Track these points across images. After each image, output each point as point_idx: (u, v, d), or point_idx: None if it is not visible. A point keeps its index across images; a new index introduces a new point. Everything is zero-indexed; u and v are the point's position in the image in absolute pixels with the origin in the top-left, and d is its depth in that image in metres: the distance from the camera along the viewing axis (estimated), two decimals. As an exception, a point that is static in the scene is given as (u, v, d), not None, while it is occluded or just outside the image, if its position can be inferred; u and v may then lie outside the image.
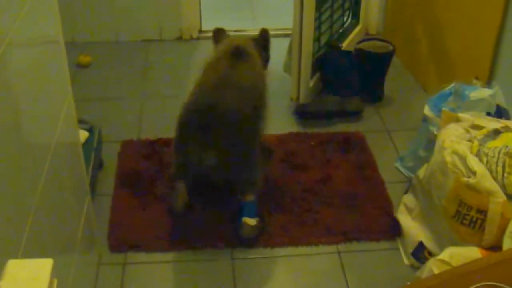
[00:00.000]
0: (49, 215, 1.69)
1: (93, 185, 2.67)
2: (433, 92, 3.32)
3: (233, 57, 2.52)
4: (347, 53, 3.40)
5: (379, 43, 3.43)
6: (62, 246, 1.86)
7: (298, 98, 3.33)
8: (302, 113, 3.26)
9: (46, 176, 1.64)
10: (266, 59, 2.82)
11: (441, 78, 3.38)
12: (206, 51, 3.07)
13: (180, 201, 2.52)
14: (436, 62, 3.47)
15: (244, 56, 2.54)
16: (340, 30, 3.86)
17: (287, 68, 3.44)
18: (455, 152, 2.15)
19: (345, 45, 3.80)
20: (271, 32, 3.87)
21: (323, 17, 3.50)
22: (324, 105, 3.26)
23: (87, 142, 2.78)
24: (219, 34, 2.83)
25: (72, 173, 2.08)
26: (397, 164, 2.97)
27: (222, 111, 2.32)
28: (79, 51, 3.95)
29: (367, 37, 3.53)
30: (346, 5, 3.92)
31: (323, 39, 3.56)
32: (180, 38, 4.17)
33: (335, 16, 3.71)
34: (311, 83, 3.39)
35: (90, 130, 2.86)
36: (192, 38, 4.19)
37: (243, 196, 2.55)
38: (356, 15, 4.07)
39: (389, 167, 3.00)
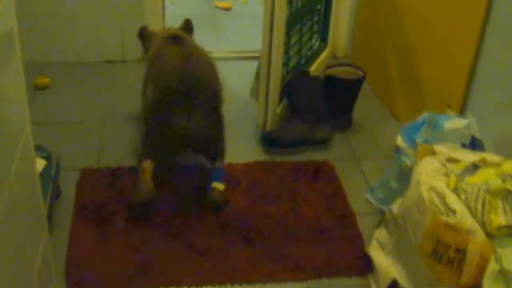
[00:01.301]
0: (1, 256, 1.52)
1: (50, 217, 2.50)
2: (403, 119, 3.27)
3: (176, 41, 2.76)
4: (316, 79, 3.30)
5: (348, 68, 3.34)
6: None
7: (264, 125, 3.21)
8: (269, 141, 3.14)
9: (1, 214, 1.47)
10: None
11: (412, 105, 3.30)
12: None
13: (145, 186, 2.58)
14: (406, 88, 3.39)
15: (182, 40, 2.79)
16: (309, 53, 3.76)
17: (253, 93, 3.32)
18: (432, 189, 2.04)
19: (313, 69, 3.72)
20: (236, 55, 3.82)
21: (292, 41, 3.39)
22: (292, 133, 3.14)
23: (45, 171, 2.61)
24: (143, 31, 3.13)
25: (29, 208, 1.91)
26: (368, 195, 2.86)
27: (199, 76, 2.55)
28: (37, 72, 3.78)
29: (336, 63, 3.43)
30: (315, 28, 3.84)
31: (291, 64, 3.46)
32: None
33: (303, 40, 3.61)
34: (278, 110, 3.28)
35: (48, 158, 2.69)
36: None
37: (214, 162, 2.72)
38: (324, 38, 3.99)
39: (359, 197, 2.89)
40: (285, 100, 3.35)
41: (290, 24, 3.20)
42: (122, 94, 3.70)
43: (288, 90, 3.25)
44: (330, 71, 3.28)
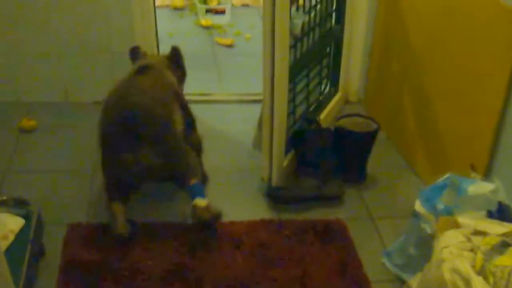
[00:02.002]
0: None
1: (30, 280, 2.47)
2: (423, 175, 3.26)
3: (136, 72, 2.89)
4: (326, 130, 3.29)
5: (361, 119, 3.33)
6: None
7: (270, 179, 3.19)
8: (275, 197, 3.12)
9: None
10: (182, 75, 3.25)
11: (432, 160, 3.29)
12: None
13: (121, 225, 2.73)
14: (425, 140, 3.37)
15: (147, 70, 2.91)
16: (318, 99, 3.77)
17: (257, 144, 3.32)
18: (455, 270, 2.01)
19: (323, 116, 3.71)
20: (238, 98, 3.82)
21: (298, 87, 3.40)
22: (300, 189, 3.12)
23: (22, 232, 2.56)
24: (134, 52, 3.23)
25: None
26: (384, 260, 2.83)
27: (139, 109, 2.65)
28: (23, 113, 3.77)
29: (348, 113, 3.42)
30: (324, 72, 3.85)
31: (299, 111, 3.46)
32: (137, 101, 4.00)
33: (311, 85, 3.62)
34: (285, 162, 3.26)
35: (26, 216, 2.64)
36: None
37: (188, 181, 2.76)
38: (334, 83, 3.99)
39: (375, 262, 2.85)
40: (292, 151, 3.34)
41: (295, 69, 3.18)
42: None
43: (295, 141, 3.24)
44: (340, 122, 3.28)
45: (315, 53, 3.51)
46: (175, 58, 3.22)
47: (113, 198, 2.79)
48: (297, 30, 3.03)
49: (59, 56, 3.84)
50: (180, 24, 5.32)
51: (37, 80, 3.89)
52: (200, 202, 2.73)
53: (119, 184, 2.78)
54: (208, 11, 5.22)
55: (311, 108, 3.61)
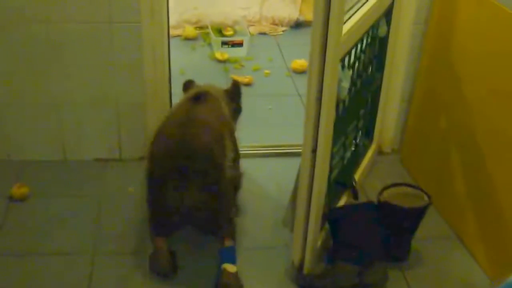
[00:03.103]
0: None
1: None
2: (471, 245, 2.89)
3: (193, 101, 2.68)
4: (368, 205, 2.78)
5: (409, 190, 2.84)
6: None
7: (301, 263, 2.69)
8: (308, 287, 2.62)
9: None
10: (237, 110, 3.07)
11: (484, 229, 2.85)
12: None
13: (165, 262, 2.63)
14: (477, 207, 2.89)
15: (204, 98, 2.70)
16: (354, 153, 3.27)
17: (287, 222, 2.83)
18: None
19: (359, 174, 3.23)
20: (259, 150, 3.58)
21: (335, 148, 2.89)
22: (337, 277, 2.62)
23: None
24: (189, 85, 3.04)
25: None
26: None
27: (190, 148, 2.46)
28: (13, 175, 3.31)
29: (394, 183, 2.90)
30: (360, 123, 3.34)
31: (333, 174, 2.95)
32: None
33: (349, 140, 3.13)
34: (319, 242, 2.76)
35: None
36: (160, 157, 3.51)
37: (222, 240, 2.63)
38: (369, 133, 3.49)
39: None
40: (326, 226, 2.83)
41: (336, 132, 2.68)
42: (118, 205, 3.19)
43: (331, 219, 2.73)
44: (385, 196, 2.76)
45: (356, 107, 3.01)
46: (234, 94, 3.08)
47: (157, 233, 2.69)
48: (344, 95, 2.53)
49: (57, 108, 3.36)
50: (192, 57, 4.82)
51: (31, 135, 3.43)
52: (230, 267, 2.59)
53: (163, 220, 2.65)
54: (224, 43, 4.70)
55: (346, 171, 3.08)
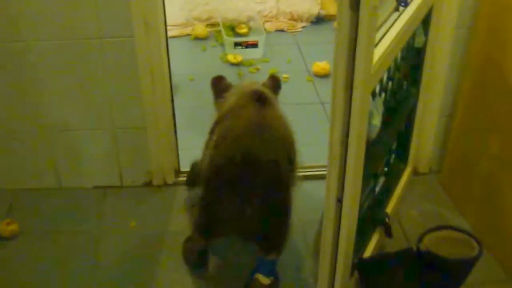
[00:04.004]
0: None
1: None
2: None
3: (257, 102, 2.44)
4: (405, 254, 2.37)
5: (454, 234, 2.42)
6: None
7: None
8: None
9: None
10: None
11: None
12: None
13: (198, 259, 2.60)
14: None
15: (267, 101, 2.48)
16: (386, 179, 2.85)
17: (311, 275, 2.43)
18: None
19: (392, 205, 2.80)
20: None
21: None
22: None
23: None
24: (219, 82, 2.79)
25: None
26: None
27: (259, 161, 2.28)
28: (2, 208, 2.96)
29: (437, 226, 2.48)
30: (393, 145, 2.92)
31: (361, 211, 2.53)
32: (148, 184, 3.14)
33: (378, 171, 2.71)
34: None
35: None
36: (166, 183, 3.15)
37: (268, 254, 2.49)
38: (403, 155, 3.05)
39: None
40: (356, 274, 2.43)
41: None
42: (119, 243, 2.83)
43: (364, 268, 2.32)
44: (426, 242, 2.34)
45: (391, 131, 2.61)
46: (275, 89, 2.76)
47: (200, 235, 2.57)
48: (374, 134, 2.11)
49: (50, 132, 2.99)
50: (202, 60, 4.39)
51: (22, 162, 3.06)
52: (263, 279, 2.48)
53: (213, 227, 2.52)
54: (237, 44, 4.27)
55: (376, 191, 2.66)
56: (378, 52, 1.99)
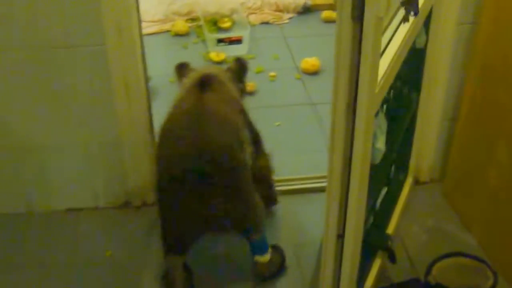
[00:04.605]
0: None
1: None
2: None
3: (201, 87, 2.34)
4: (412, 285, 2.11)
5: (466, 260, 2.16)
6: None
7: None
8: None
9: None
10: (242, 91, 2.68)
11: None
12: None
13: (180, 284, 2.37)
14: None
15: (210, 83, 2.38)
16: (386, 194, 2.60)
17: None
18: None
19: (393, 223, 2.56)
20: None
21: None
22: None
23: None
24: (182, 69, 2.65)
25: None
26: None
27: (205, 147, 2.16)
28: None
29: (448, 253, 2.23)
30: (393, 155, 2.65)
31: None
32: (126, 205, 2.87)
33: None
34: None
35: None
36: (145, 203, 2.87)
37: (251, 235, 2.42)
38: (404, 166, 2.80)
39: None
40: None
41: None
42: (96, 273, 2.55)
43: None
44: (435, 273, 2.09)
45: (392, 145, 2.34)
46: (239, 72, 2.67)
47: (171, 250, 2.37)
48: (378, 159, 1.85)
49: (17, 152, 2.72)
50: (183, 58, 3.96)
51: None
52: (261, 258, 2.44)
53: (179, 233, 2.33)
54: (220, 41, 3.97)
55: (375, 214, 2.41)
56: (382, 66, 1.73)
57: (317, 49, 4.09)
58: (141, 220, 2.81)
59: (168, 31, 4.38)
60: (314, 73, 3.83)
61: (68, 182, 2.80)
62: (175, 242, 2.37)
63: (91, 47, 2.47)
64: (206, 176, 2.15)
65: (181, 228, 2.31)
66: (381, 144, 1.87)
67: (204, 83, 2.36)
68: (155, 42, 4.18)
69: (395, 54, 1.83)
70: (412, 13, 1.80)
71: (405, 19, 1.81)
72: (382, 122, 1.95)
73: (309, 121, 3.45)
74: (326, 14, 4.50)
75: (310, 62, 3.84)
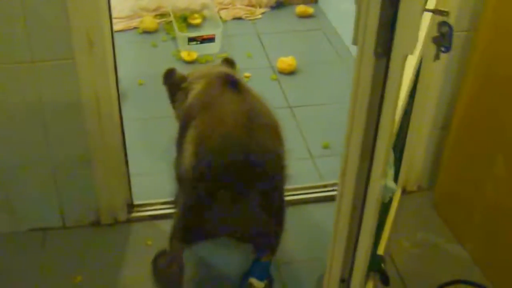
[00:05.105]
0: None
1: None
2: None
3: (235, 87, 2.24)
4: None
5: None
6: None
7: None
8: None
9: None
10: None
11: None
12: (143, 240, 2.53)
13: (177, 271, 2.28)
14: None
15: (241, 84, 2.30)
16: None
17: None
18: None
19: (384, 243, 2.40)
20: None
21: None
22: None
23: None
24: (171, 76, 2.61)
25: None
26: None
27: (257, 156, 2.03)
28: None
29: (443, 284, 2.07)
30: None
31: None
32: (96, 223, 2.65)
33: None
34: None
35: None
36: (117, 221, 2.66)
37: (262, 255, 2.29)
38: (396, 178, 2.63)
39: None
40: None
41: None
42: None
43: None
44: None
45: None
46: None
47: (183, 240, 2.25)
48: (388, 198, 1.69)
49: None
50: (153, 58, 3.86)
51: None
52: (257, 284, 2.28)
53: (194, 233, 2.22)
54: (191, 39, 3.75)
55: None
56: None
57: (292, 46, 3.91)
58: (113, 240, 2.61)
59: (135, 28, 4.14)
60: (291, 72, 3.64)
61: (32, 200, 2.57)
62: (190, 235, 2.26)
63: (58, 62, 2.24)
64: (249, 183, 2.05)
65: (201, 227, 2.19)
66: (391, 182, 1.69)
67: (233, 83, 2.26)
68: (122, 40, 3.93)
69: (408, 88, 1.66)
70: (444, 49, 1.61)
71: (436, 56, 1.63)
72: (390, 155, 1.77)
73: (287, 126, 3.24)
74: (300, 9, 4.30)
75: (286, 61, 3.65)
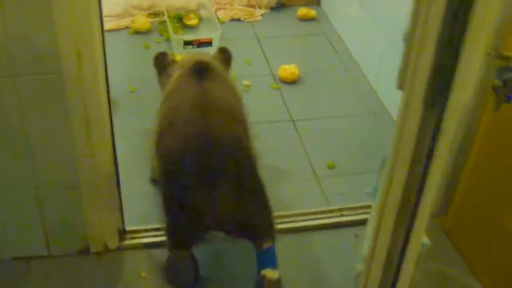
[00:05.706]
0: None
1: None
2: None
3: (198, 76, 2.29)
4: None
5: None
6: None
7: None
8: None
9: None
10: None
11: None
12: (136, 271, 2.38)
13: (186, 272, 2.26)
14: None
15: (207, 72, 2.33)
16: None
17: None
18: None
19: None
20: None
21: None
22: None
23: None
24: (162, 59, 2.66)
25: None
26: None
27: (215, 140, 2.07)
28: None
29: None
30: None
31: None
32: (85, 252, 2.45)
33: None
34: None
35: None
36: (107, 249, 2.46)
37: (261, 243, 2.25)
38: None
39: None
40: None
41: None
42: None
43: None
44: None
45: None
46: (225, 61, 2.64)
47: (177, 246, 2.26)
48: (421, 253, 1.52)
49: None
50: (145, 61, 3.59)
51: None
52: (271, 273, 2.22)
53: (186, 231, 2.21)
54: (187, 43, 3.53)
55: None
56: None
57: (294, 52, 3.71)
58: (103, 269, 2.42)
59: (127, 27, 3.92)
60: (293, 82, 3.44)
61: (15, 226, 2.36)
62: (181, 240, 2.25)
63: (43, 76, 2.03)
64: (214, 168, 2.05)
65: (189, 227, 2.19)
66: (426, 238, 1.52)
67: (201, 71, 2.30)
68: (112, 41, 3.68)
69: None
70: (507, 98, 1.43)
71: (496, 107, 1.45)
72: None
73: (290, 141, 3.06)
74: (302, 11, 4.10)
75: (288, 70, 3.45)
